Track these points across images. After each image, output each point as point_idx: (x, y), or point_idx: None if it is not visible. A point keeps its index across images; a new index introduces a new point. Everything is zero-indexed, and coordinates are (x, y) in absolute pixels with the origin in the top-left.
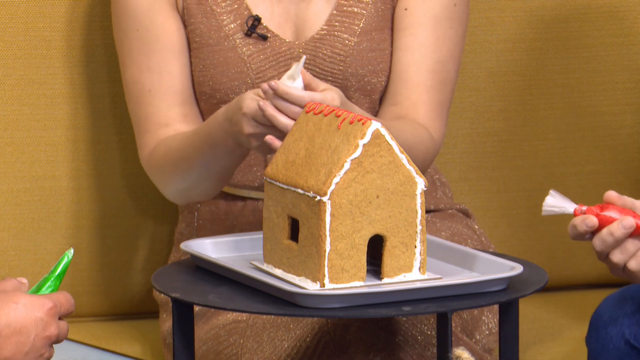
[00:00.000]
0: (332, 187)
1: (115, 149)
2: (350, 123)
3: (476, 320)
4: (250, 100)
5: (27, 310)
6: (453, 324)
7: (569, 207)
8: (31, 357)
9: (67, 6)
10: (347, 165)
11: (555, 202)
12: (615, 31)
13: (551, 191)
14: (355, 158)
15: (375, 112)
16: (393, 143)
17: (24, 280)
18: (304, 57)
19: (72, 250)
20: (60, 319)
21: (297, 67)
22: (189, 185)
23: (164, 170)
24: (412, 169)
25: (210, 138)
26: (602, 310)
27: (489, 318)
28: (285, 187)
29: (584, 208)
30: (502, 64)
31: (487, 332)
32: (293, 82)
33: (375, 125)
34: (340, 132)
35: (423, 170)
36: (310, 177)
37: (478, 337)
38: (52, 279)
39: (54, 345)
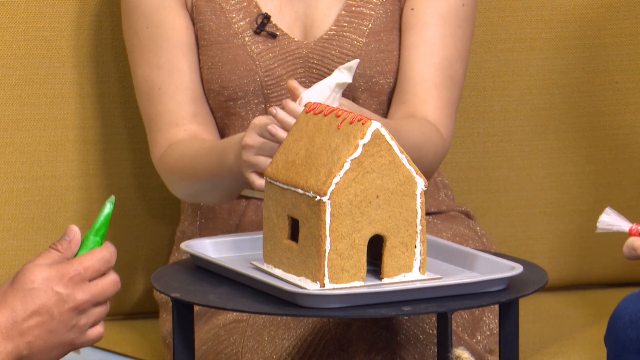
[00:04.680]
0: (332, 187)
1: (118, 149)
2: (350, 123)
3: (477, 321)
4: (264, 117)
5: (44, 286)
6: (454, 324)
7: (624, 225)
8: (62, 333)
9: (69, 6)
10: (347, 165)
11: (610, 220)
12: (615, 31)
13: (607, 209)
14: (355, 158)
15: (383, 113)
16: (393, 143)
17: (72, 235)
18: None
19: (113, 198)
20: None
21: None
22: (196, 193)
23: (173, 175)
24: (412, 169)
25: (222, 156)
26: (622, 312)
27: (490, 319)
28: (285, 187)
29: None
30: (502, 64)
31: (488, 333)
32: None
33: (375, 125)
34: (340, 132)
35: (434, 169)
36: (310, 177)
37: (479, 337)
38: (93, 234)
39: (105, 304)
